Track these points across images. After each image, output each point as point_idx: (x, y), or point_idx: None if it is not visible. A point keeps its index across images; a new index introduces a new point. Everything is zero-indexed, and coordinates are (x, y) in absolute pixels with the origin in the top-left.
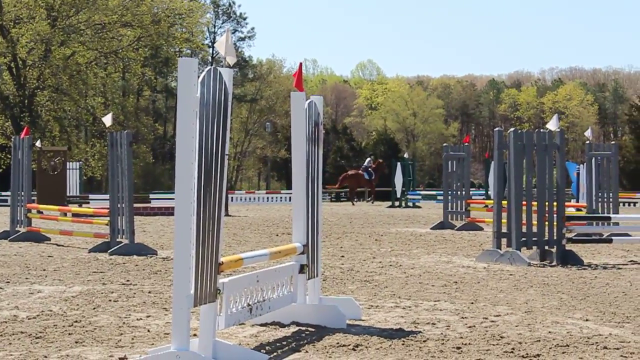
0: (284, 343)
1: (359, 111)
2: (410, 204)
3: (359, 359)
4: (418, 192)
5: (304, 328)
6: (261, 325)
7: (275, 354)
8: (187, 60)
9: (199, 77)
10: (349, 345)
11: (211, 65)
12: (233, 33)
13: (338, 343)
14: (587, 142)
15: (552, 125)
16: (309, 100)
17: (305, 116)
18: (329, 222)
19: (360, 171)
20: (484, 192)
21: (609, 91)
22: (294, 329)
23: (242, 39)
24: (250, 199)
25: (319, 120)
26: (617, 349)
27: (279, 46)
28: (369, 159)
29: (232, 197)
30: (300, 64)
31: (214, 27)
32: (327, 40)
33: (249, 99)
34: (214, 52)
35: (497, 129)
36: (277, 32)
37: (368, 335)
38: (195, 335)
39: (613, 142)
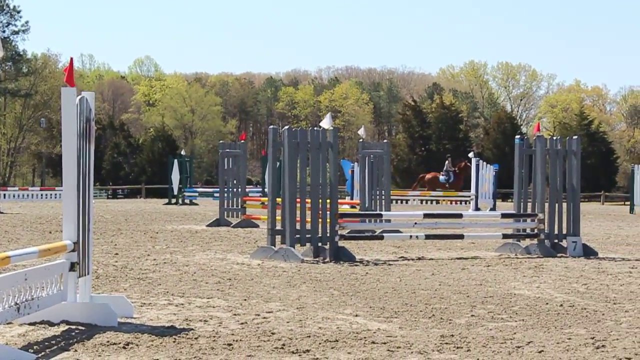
0: (53, 342)
1: (137, 107)
2: (187, 201)
3: (130, 357)
4: (195, 189)
5: (74, 327)
6: (30, 324)
7: (43, 353)
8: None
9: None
10: (120, 343)
11: None
12: (6, 26)
13: (109, 341)
14: (361, 140)
15: (326, 123)
16: (80, 96)
17: (77, 112)
18: (104, 220)
19: (440, 174)
20: (261, 189)
21: (383, 90)
22: (64, 327)
23: (16, 33)
24: (24, 195)
25: (91, 117)
26: (385, 343)
27: (55, 40)
28: (447, 161)
29: (4, 194)
30: (72, 58)
31: None
32: (104, 36)
33: (23, 93)
34: None
35: (271, 126)
36: (53, 26)
37: (139, 333)
38: None
39: (385, 141)
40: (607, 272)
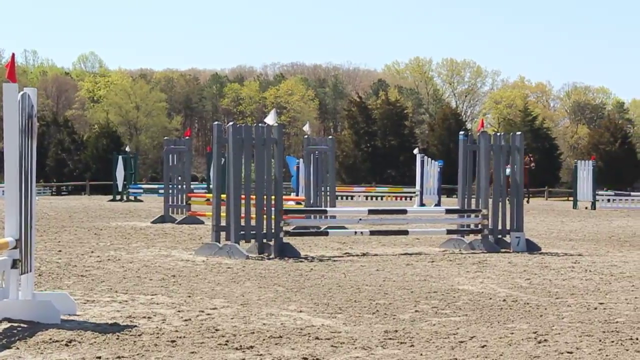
0: None
1: (81, 104)
2: (131, 197)
3: (72, 354)
4: (140, 185)
5: (16, 324)
6: None
7: None
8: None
9: None
10: (62, 340)
11: None
12: None
13: (51, 339)
14: (306, 136)
15: (270, 120)
16: (22, 92)
17: (19, 108)
18: (48, 217)
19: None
20: (206, 186)
21: (329, 87)
22: (5, 325)
23: None
24: None
25: (33, 113)
26: (329, 339)
27: None
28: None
29: None
30: (13, 54)
31: None
32: (48, 32)
33: None
34: None
35: (216, 122)
36: None
37: (82, 330)
38: None
39: (330, 137)
40: (550, 267)
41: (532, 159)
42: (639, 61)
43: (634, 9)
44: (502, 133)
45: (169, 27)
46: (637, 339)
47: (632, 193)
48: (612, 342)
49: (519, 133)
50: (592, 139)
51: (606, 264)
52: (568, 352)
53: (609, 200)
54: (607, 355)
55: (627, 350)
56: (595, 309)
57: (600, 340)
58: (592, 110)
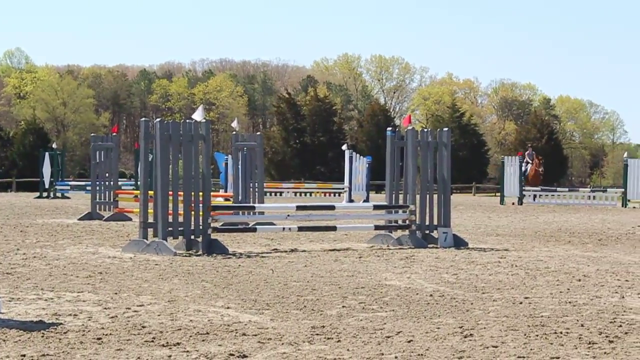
0: None
1: (7, 100)
2: (59, 194)
3: None
4: (67, 182)
5: None
6: None
7: None
8: None
9: None
10: None
11: None
12: None
13: None
14: (234, 132)
15: (198, 116)
16: None
17: None
18: None
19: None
20: (134, 182)
21: (258, 83)
22: None
23: None
24: None
25: None
26: (256, 335)
27: None
28: (527, 152)
29: None
30: None
31: None
32: None
33: None
34: None
35: (143, 119)
36: None
37: (7, 329)
38: None
39: (258, 133)
40: (476, 262)
41: (541, 162)
42: (566, 58)
43: (560, 5)
44: (430, 129)
45: (96, 23)
46: (561, 332)
47: (558, 189)
48: (537, 336)
49: (446, 129)
50: (519, 135)
51: (532, 259)
52: (493, 346)
53: (535, 196)
54: (531, 349)
55: (552, 344)
56: (521, 303)
57: (525, 334)
58: (519, 107)
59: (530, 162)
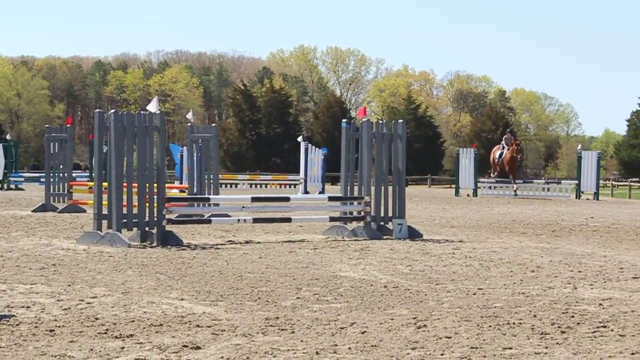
0: None
1: None
2: (12, 186)
3: None
4: (21, 174)
5: None
6: None
7: None
8: None
9: None
10: None
11: None
12: None
13: None
14: (189, 124)
15: (152, 107)
16: None
17: None
18: None
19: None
20: (89, 174)
21: (213, 75)
22: None
23: None
24: None
25: None
26: (209, 326)
27: None
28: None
29: None
30: None
31: None
32: None
33: None
34: None
35: (97, 110)
36: None
37: None
38: None
39: (214, 125)
40: (431, 253)
41: (518, 147)
42: (521, 50)
43: None
44: (385, 121)
45: (50, 13)
46: (514, 323)
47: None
48: (490, 326)
49: (401, 121)
50: (474, 127)
51: (486, 250)
52: (447, 337)
53: (490, 187)
54: (484, 340)
55: (504, 334)
56: (474, 294)
57: (478, 325)
58: (474, 99)
59: (507, 147)
